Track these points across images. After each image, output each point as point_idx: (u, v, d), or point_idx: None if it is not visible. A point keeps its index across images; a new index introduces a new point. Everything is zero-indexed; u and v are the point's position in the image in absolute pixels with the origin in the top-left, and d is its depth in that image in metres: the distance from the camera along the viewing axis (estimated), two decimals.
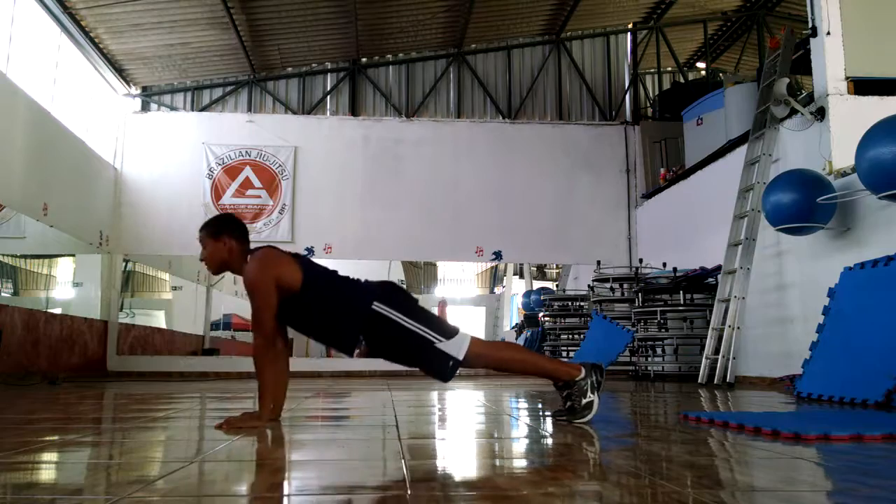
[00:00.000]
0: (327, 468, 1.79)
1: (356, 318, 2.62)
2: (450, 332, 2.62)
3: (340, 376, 9.47)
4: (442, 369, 2.60)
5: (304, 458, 1.98)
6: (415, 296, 2.88)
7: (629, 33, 11.38)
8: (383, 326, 2.60)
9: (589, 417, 2.63)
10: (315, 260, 2.94)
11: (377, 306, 2.60)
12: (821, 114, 5.73)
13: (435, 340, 2.58)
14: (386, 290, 2.69)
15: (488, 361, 2.69)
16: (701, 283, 7.39)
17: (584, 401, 2.63)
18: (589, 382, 2.64)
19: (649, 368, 7.72)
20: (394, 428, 2.66)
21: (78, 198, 8.81)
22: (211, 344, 13.86)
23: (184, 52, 9.76)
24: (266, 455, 2.02)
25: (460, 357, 2.58)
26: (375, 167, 10.32)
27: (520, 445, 2.31)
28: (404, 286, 2.88)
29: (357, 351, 2.70)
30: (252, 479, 1.65)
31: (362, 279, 2.79)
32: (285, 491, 1.48)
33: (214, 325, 15.02)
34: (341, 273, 2.81)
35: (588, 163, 10.59)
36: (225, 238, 2.73)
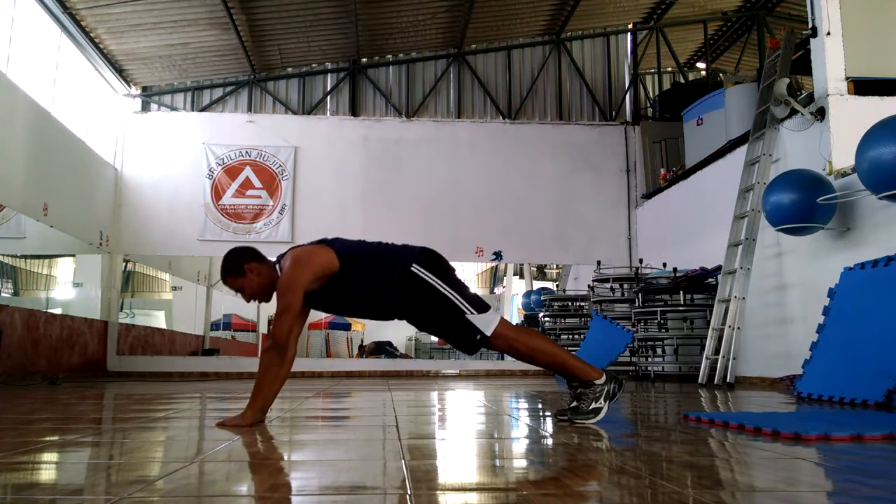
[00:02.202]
0: (327, 468, 1.79)
1: (395, 281, 2.66)
2: (482, 307, 2.65)
3: (341, 376, 9.47)
4: (468, 341, 2.64)
5: (304, 458, 1.98)
6: None
7: (629, 33, 11.39)
8: (419, 288, 2.64)
9: (591, 421, 2.62)
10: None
11: (416, 268, 2.64)
12: (821, 114, 5.73)
13: (466, 311, 2.61)
14: (426, 254, 2.73)
15: (513, 345, 2.66)
16: (701, 284, 7.39)
17: (592, 405, 2.62)
18: (606, 390, 2.62)
19: (649, 368, 7.72)
20: (394, 428, 2.66)
21: (78, 198, 8.81)
22: (211, 344, 13.86)
23: (184, 52, 9.76)
24: (266, 455, 2.02)
25: (488, 333, 2.61)
26: (375, 167, 10.33)
27: (520, 446, 2.31)
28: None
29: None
30: (252, 479, 1.65)
31: (400, 244, 2.83)
32: (285, 491, 1.48)
33: (214, 326, 15.02)
34: (375, 240, 2.86)
35: (588, 163, 10.59)
36: (247, 268, 2.73)
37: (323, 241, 2.79)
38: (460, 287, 2.69)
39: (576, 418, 2.63)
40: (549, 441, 2.33)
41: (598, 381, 2.62)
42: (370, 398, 4.75)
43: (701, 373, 6.39)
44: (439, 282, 2.64)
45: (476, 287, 23.30)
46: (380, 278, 2.69)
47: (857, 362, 4.00)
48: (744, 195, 6.68)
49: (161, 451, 2.18)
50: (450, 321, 2.64)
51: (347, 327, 20.05)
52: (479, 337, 2.61)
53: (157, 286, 16.76)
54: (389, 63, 10.97)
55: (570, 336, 10.29)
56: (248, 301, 2.82)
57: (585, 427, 2.56)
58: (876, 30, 5.89)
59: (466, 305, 2.62)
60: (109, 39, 9.15)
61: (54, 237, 8.65)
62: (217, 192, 10.00)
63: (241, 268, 2.73)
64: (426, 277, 2.64)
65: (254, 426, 2.60)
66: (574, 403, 2.66)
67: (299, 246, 2.80)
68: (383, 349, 16.77)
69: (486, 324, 2.61)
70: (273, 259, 2.82)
